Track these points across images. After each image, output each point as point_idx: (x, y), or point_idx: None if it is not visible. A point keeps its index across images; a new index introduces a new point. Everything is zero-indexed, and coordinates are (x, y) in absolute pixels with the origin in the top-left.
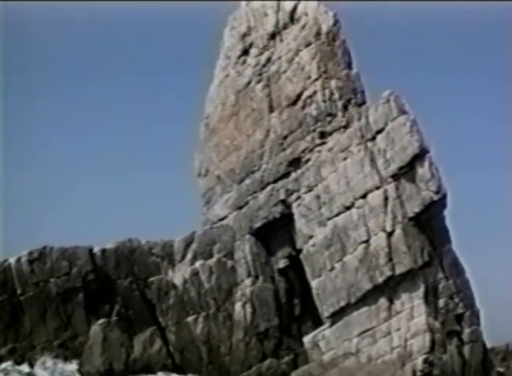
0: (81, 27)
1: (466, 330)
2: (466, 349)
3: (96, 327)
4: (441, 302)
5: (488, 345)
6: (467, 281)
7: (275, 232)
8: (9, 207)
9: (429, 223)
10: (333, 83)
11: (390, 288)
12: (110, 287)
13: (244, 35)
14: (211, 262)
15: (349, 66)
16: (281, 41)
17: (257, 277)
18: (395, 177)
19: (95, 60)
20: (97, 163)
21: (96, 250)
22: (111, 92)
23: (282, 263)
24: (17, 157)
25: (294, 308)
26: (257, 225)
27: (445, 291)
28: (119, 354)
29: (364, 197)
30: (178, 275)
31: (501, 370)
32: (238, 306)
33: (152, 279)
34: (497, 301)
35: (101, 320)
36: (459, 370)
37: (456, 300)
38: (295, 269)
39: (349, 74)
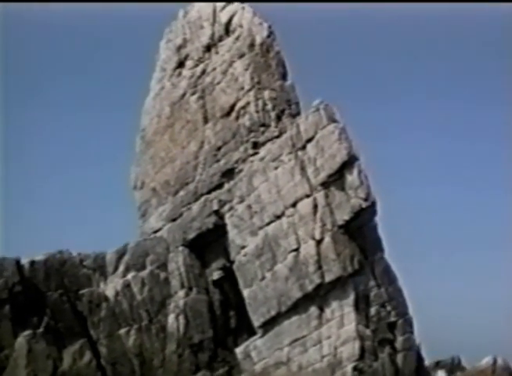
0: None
1: (399, 339)
2: (399, 357)
3: (21, 339)
4: (372, 310)
5: (434, 359)
6: (400, 289)
7: (210, 243)
8: None
9: (360, 231)
10: (266, 94)
11: (320, 297)
12: (39, 300)
13: (180, 47)
14: (144, 273)
15: (283, 77)
16: (216, 53)
17: (190, 289)
18: (325, 185)
19: None
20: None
21: (25, 261)
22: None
23: (216, 275)
24: None
25: (230, 320)
26: (191, 236)
27: (377, 299)
28: (45, 366)
29: (294, 205)
30: (110, 287)
31: None
32: (171, 318)
33: (83, 291)
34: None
35: (26, 332)
36: None
37: (389, 308)
38: (230, 280)
39: (283, 85)
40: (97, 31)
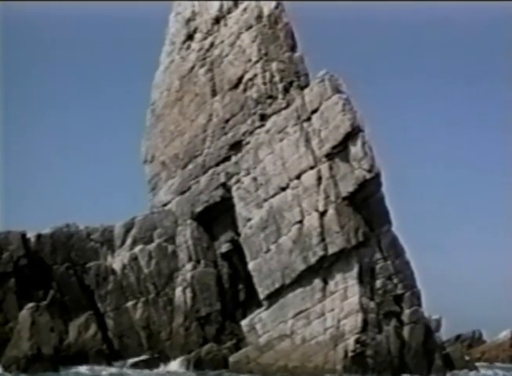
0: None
1: (406, 311)
2: (405, 330)
3: (25, 312)
4: (378, 283)
5: (456, 333)
6: (407, 262)
7: (218, 216)
8: None
9: (365, 203)
10: (274, 65)
11: (324, 269)
12: (45, 273)
13: (189, 20)
14: (151, 246)
15: (292, 48)
16: (225, 25)
17: (198, 262)
18: (329, 156)
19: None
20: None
21: (31, 235)
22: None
23: (224, 248)
24: None
25: (238, 292)
26: (199, 209)
27: (383, 272)
28: (48, 339)
29: (299, 177)
30: (118, 260)
31: (467, 358)
32: (178, 291)
33: (90, 264)
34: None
35: (30, 305)
36: (396, 350)
37: (395, 281)
38: (238, 253)
39: (292, 57)
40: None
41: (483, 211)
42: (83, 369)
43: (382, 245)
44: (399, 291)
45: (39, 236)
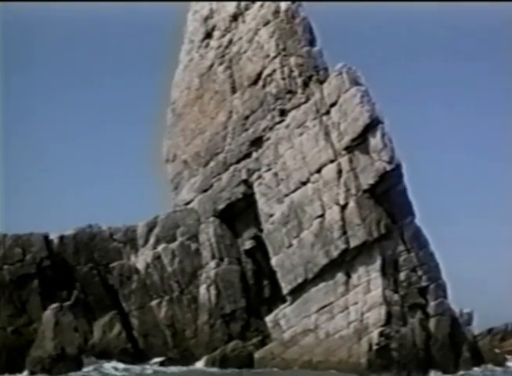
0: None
1: (432, 303)
2: (431, 322)
3: (48, 312)
4: (402, 275)
5: (488, 326)
6: (431, 254)
7: (240, 213)
8: None
9: (386, 195)
10: (292, 60)
11: (346, 262)
12: (69, 274)
13: (207, 18)
14: (174, 245)
15: (311, 43)
16: (243, 22)
17: (221, 259)
18: (349, 149)
19: None
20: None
21: (54, 236)
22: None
23: (248, 244)
24: None
25: (263, 289)
26: (221, 206)
27: (407, 264)
28: (72, 339)
29: (319, 171)
30: (141, 259)
31: (498, 350)
32: (202, 289)
33: (113, 264)
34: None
35: (53, 305)
36: (421, 343)
37: (419, 273)
38: (262, 249)
39: (310, 51)
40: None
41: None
42: (108, 366)
43: (405, 237)
44: (424, 283)
45: (62, 238)
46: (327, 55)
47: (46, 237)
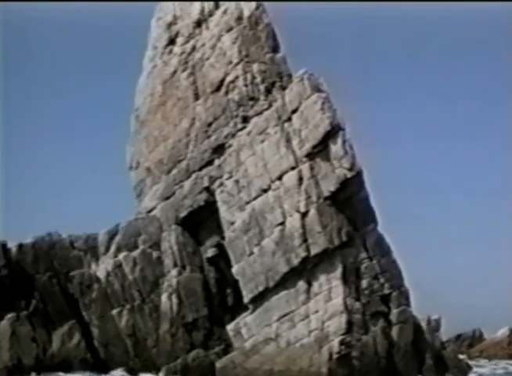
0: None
1: (394, 311)
2: (394, 330)
3: (5, 322)
4: (364, 283)
5: (456, 332)
6: (394, 261)
7: (204, 221)
8: None
9: (348, 202)
10: (255, 67)
11: (308, 270)
12: (28, 283)
13: (170, 24)
14: (135, 253)
15: (274, 49)
16: (206, 28)
17: (183, 267)
18: (310, 156)
19: None
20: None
21: (12, 245)
22: None
23: (210, 252)
24: None
25: (227, 297)
26: (183, 214)
27: (369, 271)
28: (29, 349)
29: (280, 178)
30: (102, 268)
31: (462, 356)
32: (164, 297)
33: (73, 273)
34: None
35: (9, 315)
36: (383, 351)
37: (382, 280)
38: (225, 257)
39: (274, 58)
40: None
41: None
42: None
43: (367, 245)
44: (386, 291)
45: (20, 246)
46: (292, 61)
47: (4, 246)
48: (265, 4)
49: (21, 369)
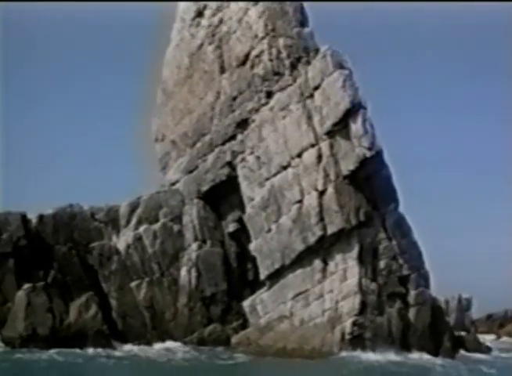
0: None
1: (412, 293)
2: (411, 312)
3: (21, 292)
4: (381, 263)
5: (487, 312)
6: (414, 242)
7: (226, 196)
8: None
9: (368, 182)
10: (281, 41)
11: (324, 249)
12: (47, 253)
13: None
14: (156, 226)
15: (302, 24)
16: (235, 1)
17: (204, 241)
18: (330, 134)
19: None
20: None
21: (32, 216)
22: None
23: (232, 227)
24: None
25: (247, 272)
26: (205, 188)
27: (387, 252)
28: (44, 319)
29: (300, 155)
30: (122, 240)
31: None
32: (183, 271)
33: (93, 244)
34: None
35: (26, 285)
36: (398, 332)
37: (400, 261)
38: (246, 233)
39: (301, 32)
40: None
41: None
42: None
43: (387, 225)
44: (405, 272)
45: (41, 217)
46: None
47: (24, 216)
48: None
49: (36, 339)
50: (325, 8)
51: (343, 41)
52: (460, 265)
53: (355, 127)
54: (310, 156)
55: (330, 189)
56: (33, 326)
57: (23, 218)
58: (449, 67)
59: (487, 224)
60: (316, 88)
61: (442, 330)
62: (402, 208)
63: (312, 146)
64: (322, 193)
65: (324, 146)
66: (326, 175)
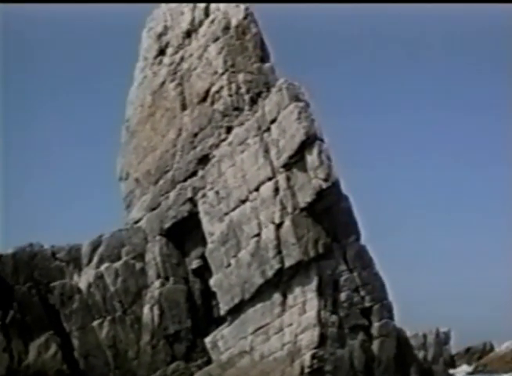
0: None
1: (375, 325)
2: (375, 344)
3: None
4: (342, 296)
5: (466, 345)
6: (376, 273)
7: (189, 232)
8: None
9: (327, 213)
10: (240, 77)
11: (283, 283)
12: (7, 293)
13: (161, 35)
14: (118, 264)
15: (262, 59)
16: (196, 38)
17: (167, 279)
18: (287, 167)
19: None
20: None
21: None
22: None
23: (195, 264)
24: None
25: (212, 309)
26: (167, 225)
27: (348, 284)
28: (0, 360)
29: (257, 189)
30: (83, 279)
31: (469, 367)
32: (146, 309)
33: (54, 284)
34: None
35: None
36: (360, 365)
37: (362, 293)
38: (210, 269)
39: (261, 68)
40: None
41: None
42: None
43: (347, 257)
44: (367, 304)
45: (0, 257)
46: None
47: None
48: (258, 9)
49: None
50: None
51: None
52: (439, 298)
53: (311, 158)
54: (267, 189)
55: (287, 222)
56: None
57: None
58: None
59: (466, 257)
60: (273, 121)
61: (409, 362)
62: (381, 239)
63: (269, 179)
64: (279, 226)
65: (281, 178)
66: (283, 208)
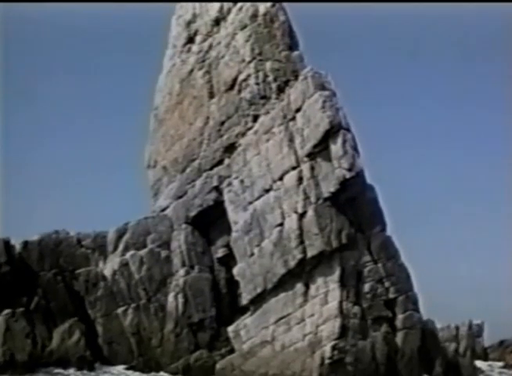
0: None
1: (400, 316)
2: (398, 336)
3: (0, 318)
4: (366, 287)
5: (500, 338)
6: (401, 265)
7: (215, 220)
8: None
9: (352, 204)
10: (268, 65)
11: (306, 273)
12: (32, 280)
13: (189, 23)
14: (143, 252)
15: (290, 47)
16: (224, 27)
17: (192, 267)
18: (311, 156)
19: None
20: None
21: (17, 242)
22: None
23: (220, 252)
24: None
25: (237, 298)
26: (193, 213)
27: (372, 275)
28: (23, 345)
29: (281, 178)
30: (108, 266)
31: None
32: (170, 297)
33: (79, 271)
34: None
35: (5, 311)
36: (383, 357)
37: (386, 284)
38: (235, 258)
39: (289, 56)
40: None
41: None
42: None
43: (372, 247)
44: (391, 295)
45: (26, 243)
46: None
47: (7, 242)
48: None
49: (13, 365)
50: None
51: None
52: (472, 289)
53: (335, 148)
54: (291, 178)
55: (310, 212)
56: (11, 352)
57: (6, 244)
58: None
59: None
60: (298, 110)
61: (434, 355)
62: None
63: (293, 168)
64: (302, 216)
65: (305, 168)
66: (307, 198)
